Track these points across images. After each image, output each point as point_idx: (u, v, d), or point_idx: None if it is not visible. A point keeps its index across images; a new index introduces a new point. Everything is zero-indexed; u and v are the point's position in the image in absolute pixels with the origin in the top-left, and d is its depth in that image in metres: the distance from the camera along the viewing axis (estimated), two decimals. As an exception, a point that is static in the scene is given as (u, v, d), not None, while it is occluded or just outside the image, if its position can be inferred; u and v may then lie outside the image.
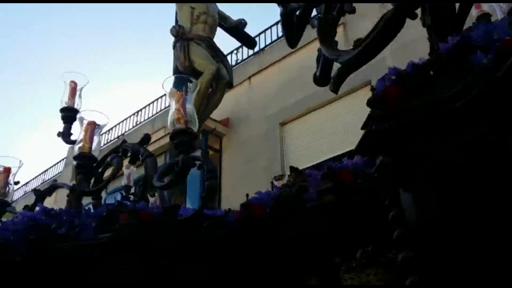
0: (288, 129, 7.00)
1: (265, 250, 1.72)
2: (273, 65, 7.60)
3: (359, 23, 7.27)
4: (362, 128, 1.20)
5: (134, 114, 11.10)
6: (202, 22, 3.66)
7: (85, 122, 2.18)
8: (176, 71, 3.52)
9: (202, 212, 1.78)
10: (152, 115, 10.42)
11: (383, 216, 1.14)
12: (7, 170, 2.59)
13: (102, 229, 1.93)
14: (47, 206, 2.14)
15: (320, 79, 1.41)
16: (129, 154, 2.17)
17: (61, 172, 11.48)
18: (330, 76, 1.43)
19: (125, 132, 10.74)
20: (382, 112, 1.14)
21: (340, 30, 7.49)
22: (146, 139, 2.13)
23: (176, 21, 3.87)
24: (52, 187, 2.65)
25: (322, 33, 1.07)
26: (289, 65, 7.28)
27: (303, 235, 1.60)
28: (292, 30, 1.48)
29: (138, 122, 10.76)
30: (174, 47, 3.61)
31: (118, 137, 10.54)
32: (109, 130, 11.05)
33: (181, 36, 3.53)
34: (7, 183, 2.56)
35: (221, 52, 3.73)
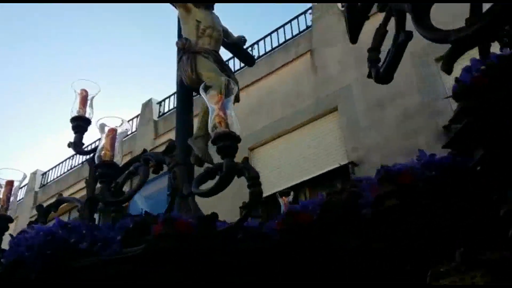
0: (257, 153, 7.01)
1: (315, 260, 1.61)
2: (241, 90, 7.61)
3: (325, 51, 7.46)
4: (451, 121, 1.14)
5: (70, 157, 10.89)
6: (207, 36, 3.59)
7: (106, 128, 2.04)
8: (181, 84, 3.42)
9: (245, 221, 1.67)
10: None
11: (473, 216, 1.07)
12: (10, 184, 2.40)
13: (129, 242, 1.78)
14: (62, 220, 1.96)
15: (385, 76, 1.36)
16: (151, 163, 2.04)
17: (22, 199, 10.83)
18: (394, 73, 1.38)
19: (63, 173, 10.56)
20: (474, 103, 1.08)
21: (307, 57, 7.65)
22: (171, 147, 2.01)
23: (179, 36, 3.79)
24: (58, 201, 2.47)
25: (417, 15, 1.02)
26: (256, 90, 7.39)
27: (361, 242, 1.51)
28: (354, 25, 1.43)
29: (73, 166, 10.59)
30: (179, 60, 3.51)
31: (82, 163, 10.30)
32: (73, 156, 10.78)
33: (187, 49, 3.44)
34: (9, 197, 2.37)
35: (228, 66, 3.66)
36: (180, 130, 3.20)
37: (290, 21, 8.33)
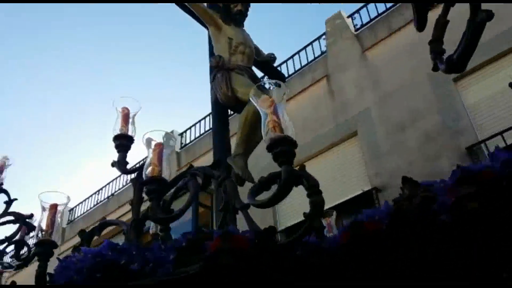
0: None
1: (386, 274, 1.48)
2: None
3: (341, 76, 7.38)
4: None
5: (96, 192, 11.02)
6: (240, 52, 3.54)
7: (153, 143, 1.97)
8: (216, 103, 3.36)
9: (308, 234, 1.55)
10: (116, 191, 10.40)
11: None
12: (54, 207, 2.35)
13: (183, 261, 1.68)
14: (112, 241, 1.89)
15: (459, 64, 1.26)
16: (199, 179, 1.96)
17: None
18: (469, 60, 1.28)
19: (90, 209, 10.69)
20: None
21: (323, 82, 7.56)
22: (218, 162, 1.92)
23: (211, 54, 3.77)
24: (102, 225, 2.40)
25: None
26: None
27: (439, 250, 1.37)
28: (421, 13, 1.34)
29: (98, 201, 10.72)
30: (213, 79, 3.46)
31: (108, 197, 10.43)
32: (71, 210, 10.94)
33: (221, 66, 3.39)
34: (54, 221, 2.32)
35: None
36: (218, 148, 3.12)
37: (305, 47, 8.32)
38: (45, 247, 2.20)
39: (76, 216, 11.08)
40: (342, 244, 1.61)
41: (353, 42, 7.48)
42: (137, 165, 2.50)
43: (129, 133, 2.37)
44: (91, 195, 11.00)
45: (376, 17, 7.39)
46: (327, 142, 6.98)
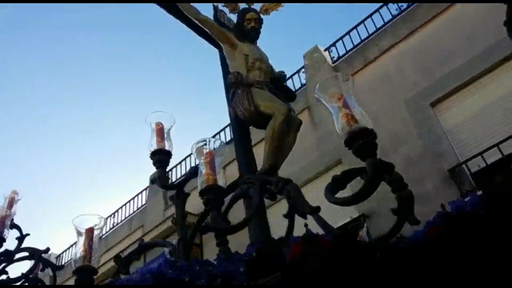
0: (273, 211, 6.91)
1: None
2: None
3: (322, 107, 7.46)
4: None
5: (110, 215, 10.66)
6: (257, 68, 3.49)
7: (205, 151, 1.85)
8: (236, 120, 3.27)
9: (399, 231, 1.43)
10: (129, 215, 10.07)
11: None
12: (90, 231, 2.18)
13: (255, 273, 1.54)
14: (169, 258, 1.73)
15: None
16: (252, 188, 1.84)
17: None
18: None
19: (102, 235, 10.26)
20: None
21: (305, 114, 7.64)
22: (273, 168, 1.81)
23: (225, 75, 3.71)
24: (141, 247, 2.24)
25: None
26: (261, 149, 7.54)
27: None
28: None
29: (114, 224, 10.33)
30: (232, 95, 3.38)
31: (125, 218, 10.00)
32: (114, 213, 10.51)
33: (240, 82, 3.33)
34: (91, 246, 2.14)
35: (283, 97, 3.54)
36: (242, 162, 2.99)
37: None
38: (84, 275, 2.02)
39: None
40: (429, 240, 1.49)
41: (331, 73, 7.64)
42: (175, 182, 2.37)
43: (167, 147, 2.25)
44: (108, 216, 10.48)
45: (352, 49, 7.61)
46: (313, 171, 7.06)
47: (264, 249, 1.55)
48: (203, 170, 1.80)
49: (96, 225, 2.18)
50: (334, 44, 8.01)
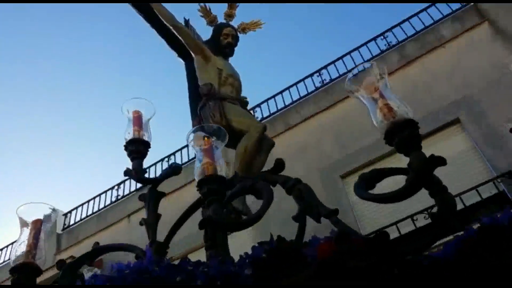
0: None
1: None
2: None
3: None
4: None
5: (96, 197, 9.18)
6: (229, 84, 3.35)
7: (200, 138, 1.60)
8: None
9: (440, 238, 1.29)
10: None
11: None
12: (37, 223, 1.78)
13: (263, 275, 1.30)
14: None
15: None
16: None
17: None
18: None
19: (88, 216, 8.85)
20: None
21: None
22: (281, 165, 1.62)
23: (192, 85, 3.52)
24: (97, 251, 1.87)
25: None
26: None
27: None
28: None
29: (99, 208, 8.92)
30: (202, 107, 3.18)
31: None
32: (67, 213, 9.14)
33: (213, 94, 3.16)
34: (37, 240, 1.74)
35: (253, 116, 3.40)
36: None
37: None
38: (25, 272, 1.61)
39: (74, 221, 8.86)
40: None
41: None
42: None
43: (145, 138, 1.97)
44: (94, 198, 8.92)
45: (275, 112, 7.80)
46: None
47: (279, 249, 1.33)
48: (202, 158, 1.56)
49: (46, 216, 1.79)
50: (259, 105, 8.08)
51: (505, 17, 6.40)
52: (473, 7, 6.82)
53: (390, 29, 7.51)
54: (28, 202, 1.80)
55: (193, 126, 3.23)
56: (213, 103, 3.12)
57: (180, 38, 3.45)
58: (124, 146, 1.93)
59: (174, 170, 1.94)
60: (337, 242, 1.22)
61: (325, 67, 7.84)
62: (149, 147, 1.96)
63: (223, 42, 3.52)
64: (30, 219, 1.77)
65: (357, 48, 7.68)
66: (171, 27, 3.43)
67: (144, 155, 1.93)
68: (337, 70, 7.64)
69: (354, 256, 1.19)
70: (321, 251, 1.23)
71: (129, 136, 1.94)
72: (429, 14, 7.23)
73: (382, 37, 7.56)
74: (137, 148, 1.90)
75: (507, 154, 5.33)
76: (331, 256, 1.19)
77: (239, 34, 3.65)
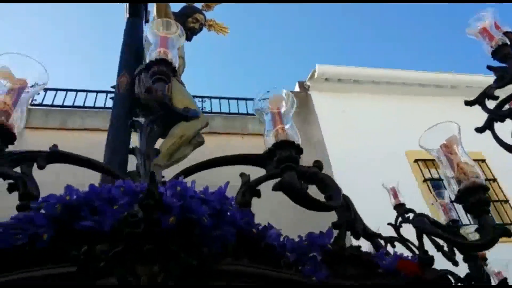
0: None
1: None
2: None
3: None
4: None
5: None
6: (180, 64, 3.23)
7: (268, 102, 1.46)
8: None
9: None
10: None
11: None
12: (21, 82, 1.30)
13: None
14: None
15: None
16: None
17: None
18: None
19: None
20: None
21: None
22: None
23: (132, 41, 3.19)
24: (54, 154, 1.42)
25: None
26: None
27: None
28: None
29: None
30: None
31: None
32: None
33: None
34: (15, 103, 1.26)
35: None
36: (108, 149, 2.36)
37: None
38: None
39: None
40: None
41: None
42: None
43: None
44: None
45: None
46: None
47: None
48: (272, 124, 1.43)
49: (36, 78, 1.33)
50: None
51: None
52: None
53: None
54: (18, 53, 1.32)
55: (120, 82, 2.82)
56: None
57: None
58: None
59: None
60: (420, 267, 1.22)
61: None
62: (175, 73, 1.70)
63: (190, 25, 3.39)
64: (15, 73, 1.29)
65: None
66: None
67: (169, 79, 1.65)
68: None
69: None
70: (404, 268, 1.21)
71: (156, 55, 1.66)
72: None
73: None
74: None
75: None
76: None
77: (203, 27, 3.55)
